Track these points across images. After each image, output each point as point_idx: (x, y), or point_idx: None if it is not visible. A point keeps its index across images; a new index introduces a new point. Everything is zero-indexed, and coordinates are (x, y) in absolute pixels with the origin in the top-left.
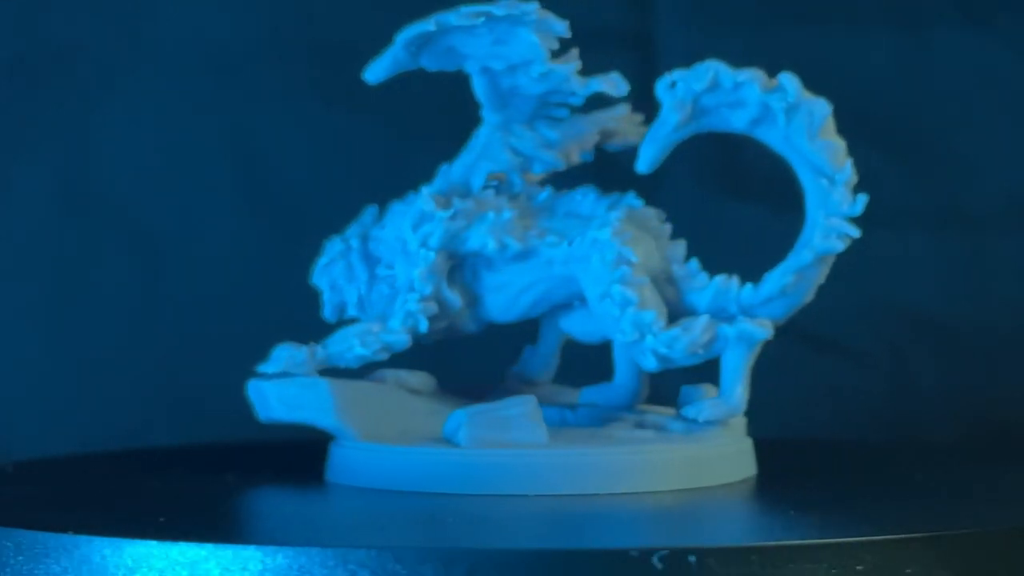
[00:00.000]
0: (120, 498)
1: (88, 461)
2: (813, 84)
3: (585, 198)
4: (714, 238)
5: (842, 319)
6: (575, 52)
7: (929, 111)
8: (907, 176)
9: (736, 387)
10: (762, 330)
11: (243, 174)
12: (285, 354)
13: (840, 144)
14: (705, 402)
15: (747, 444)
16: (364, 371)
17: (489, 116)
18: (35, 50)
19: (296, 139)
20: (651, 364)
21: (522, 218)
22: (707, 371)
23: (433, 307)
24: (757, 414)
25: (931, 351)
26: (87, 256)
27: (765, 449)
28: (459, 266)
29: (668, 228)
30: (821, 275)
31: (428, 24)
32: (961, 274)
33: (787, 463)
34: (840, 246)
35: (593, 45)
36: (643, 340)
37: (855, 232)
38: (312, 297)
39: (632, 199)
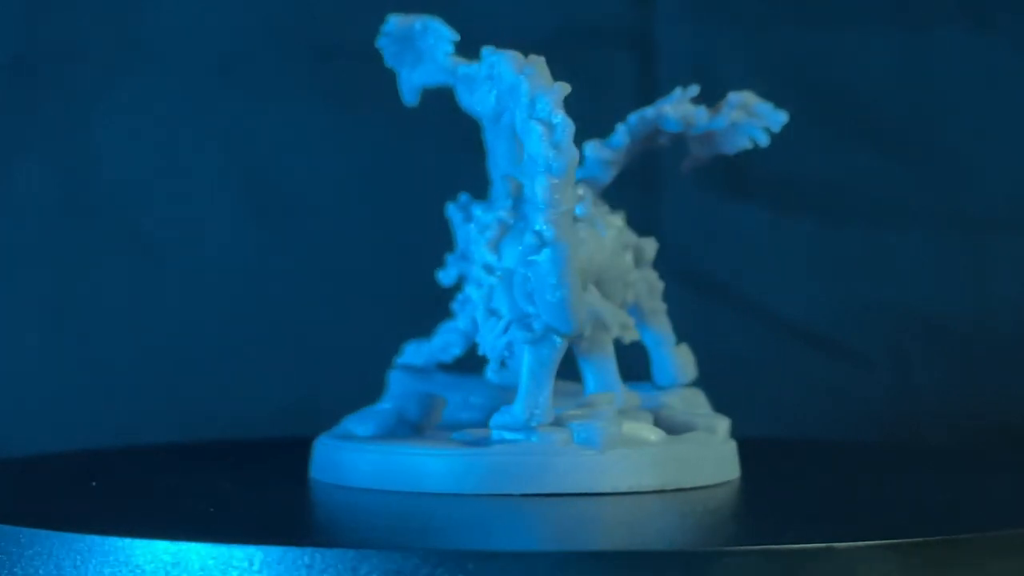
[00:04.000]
0: (113, 497)
1: (87, 459)
2: (813, 84)
3: None
4: (714, 238)
5: (842, 319)
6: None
7: (930, 111)
8: (907, 176)
9: (520, 395)
10: (525, 334)
11: (243, 174)
12: (405, 347)
13: (545, 128)
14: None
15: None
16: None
17: (483, 123)
18: (35, 50)
19: (296, 139)
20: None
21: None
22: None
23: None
24: (757, 414)
25: (931, 351)
26: (87, 255)
27: (759, 450)
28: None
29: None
30: (553, 274)
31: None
32: (961, 274)
33: (777, 464)
34: (532, 242)
35: (593, 45)
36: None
37: (546, 230)
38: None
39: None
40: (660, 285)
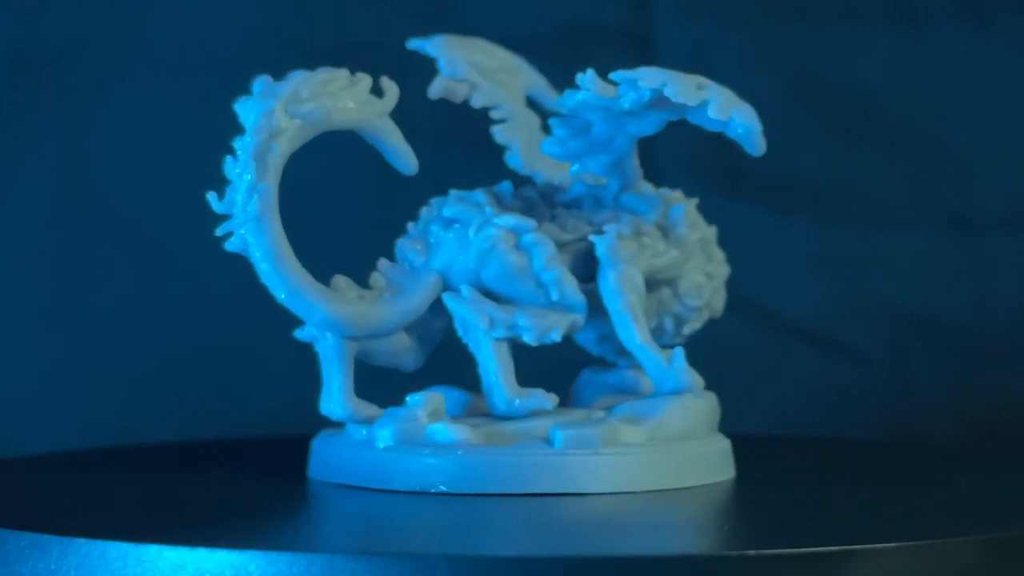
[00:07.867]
0: (113, 498)
1: (87, 459)
2: (813, 84)
3: None
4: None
5: (842, 319)
6: None
7: (929, 111)
8: (907, 176)
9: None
10: (301, 332)
11: None
12: None
13: (244, 136)
14: None
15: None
16: None
17: None
18: (35, 50)
19: None
20: None
21: None
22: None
23: None
24: (756, 413)
25: (931, 351)
26: (88, 255)
27: (758, 448)
28: None
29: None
30: (264, 279)
31: None
32: (961, 274)
33: (775, 463)
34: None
35: (593, 45)
36: None
37: (252, 239)
38: None
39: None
40: (624, 288)
